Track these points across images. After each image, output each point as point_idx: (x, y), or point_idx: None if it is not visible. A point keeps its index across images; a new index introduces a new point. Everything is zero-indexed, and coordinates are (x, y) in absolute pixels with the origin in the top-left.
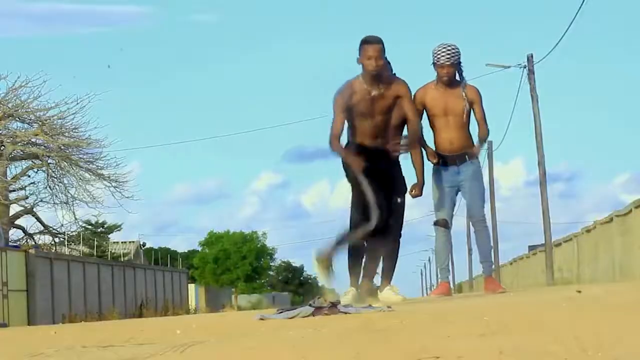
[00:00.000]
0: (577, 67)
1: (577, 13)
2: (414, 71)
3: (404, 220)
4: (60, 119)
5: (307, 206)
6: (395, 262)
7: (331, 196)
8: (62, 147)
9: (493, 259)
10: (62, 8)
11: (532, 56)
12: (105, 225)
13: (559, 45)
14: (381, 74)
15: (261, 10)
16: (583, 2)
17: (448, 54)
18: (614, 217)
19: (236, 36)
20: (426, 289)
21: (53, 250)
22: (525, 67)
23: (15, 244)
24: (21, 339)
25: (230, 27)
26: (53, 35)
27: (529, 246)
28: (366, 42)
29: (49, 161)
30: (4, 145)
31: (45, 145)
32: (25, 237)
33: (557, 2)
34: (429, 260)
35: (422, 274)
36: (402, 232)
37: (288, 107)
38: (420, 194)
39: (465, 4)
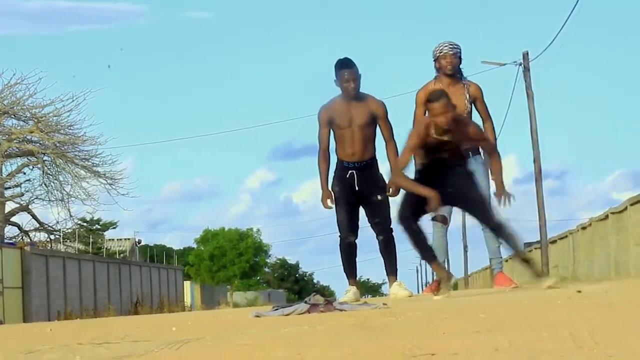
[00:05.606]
0: (572, 64)
1: (572, 10)
2: (412, 69)
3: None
4: (55, 116)
5: (299, 203)
6: (395, 258)
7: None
8: (58, 145)
9: (503, 256)
10: (57, 5)
11: (527, 53)
12: (101, 223)
13: (554, 42)
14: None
15: (255, 8)
16: None
17: (450, 45)
18: (609, 215)
19: (231, 34)
20: (421, 286)
21: (48, 247)
22: (520, 64)
23: (10, 241)
24: (16, 336)
25: (224, 25)
26: (48, 32)
27: (524, 243)
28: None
29: (44, 158)
30: None
31: (41, 142)
32: (20, 234)
33: None
34: None
35: (417, 272)
36: (393, 227)
37: (282, 104)
38: (397, 193)
39: (460, 2)
